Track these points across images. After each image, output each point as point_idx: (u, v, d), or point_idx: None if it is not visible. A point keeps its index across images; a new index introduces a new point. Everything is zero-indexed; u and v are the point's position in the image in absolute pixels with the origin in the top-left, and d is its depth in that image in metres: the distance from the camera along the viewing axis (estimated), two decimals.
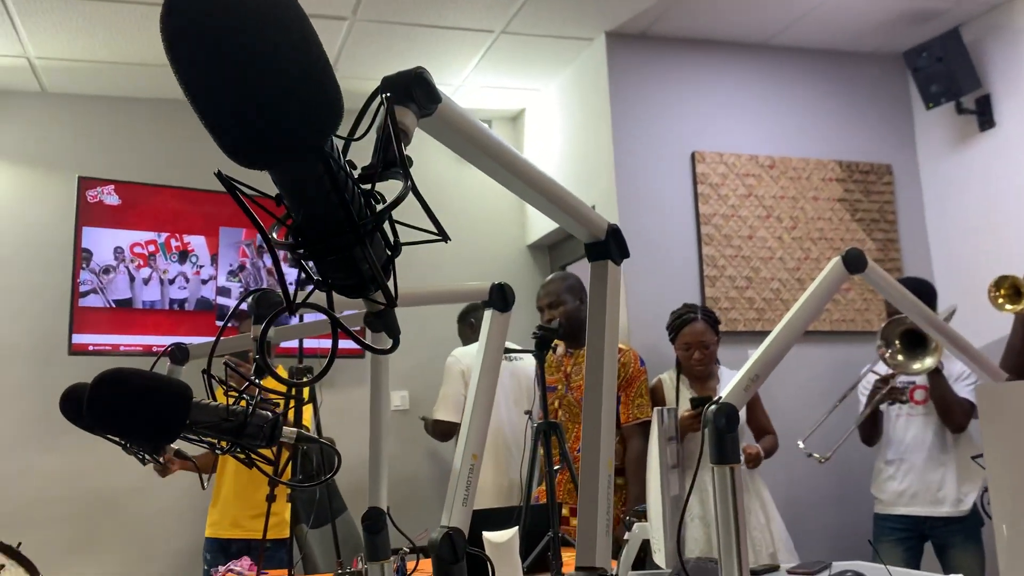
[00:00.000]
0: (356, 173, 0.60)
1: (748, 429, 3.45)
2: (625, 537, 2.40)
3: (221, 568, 2.96)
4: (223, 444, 1.13)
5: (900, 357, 3.15)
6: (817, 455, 3.33)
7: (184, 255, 4.24)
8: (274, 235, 0.59)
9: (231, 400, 1.11)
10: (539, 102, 4.79)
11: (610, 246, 0.98)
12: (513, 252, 4.93)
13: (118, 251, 4.12)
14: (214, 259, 4.28)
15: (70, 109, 4.35)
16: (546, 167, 4.74)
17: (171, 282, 4.23)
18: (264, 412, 1.12)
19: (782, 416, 3.74)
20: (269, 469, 1.16)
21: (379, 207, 0.58)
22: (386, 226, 0.59)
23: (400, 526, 1.65)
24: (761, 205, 4.11)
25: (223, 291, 4.29)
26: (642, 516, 2.35)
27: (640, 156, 4.03)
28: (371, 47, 4.03)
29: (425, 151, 3.54)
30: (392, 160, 0.59)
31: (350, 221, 0.56)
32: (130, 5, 3.53)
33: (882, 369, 3.41)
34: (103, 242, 4.09)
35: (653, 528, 2.24)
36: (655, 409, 2.21)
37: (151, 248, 4.18)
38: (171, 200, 4.20)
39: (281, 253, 0.59)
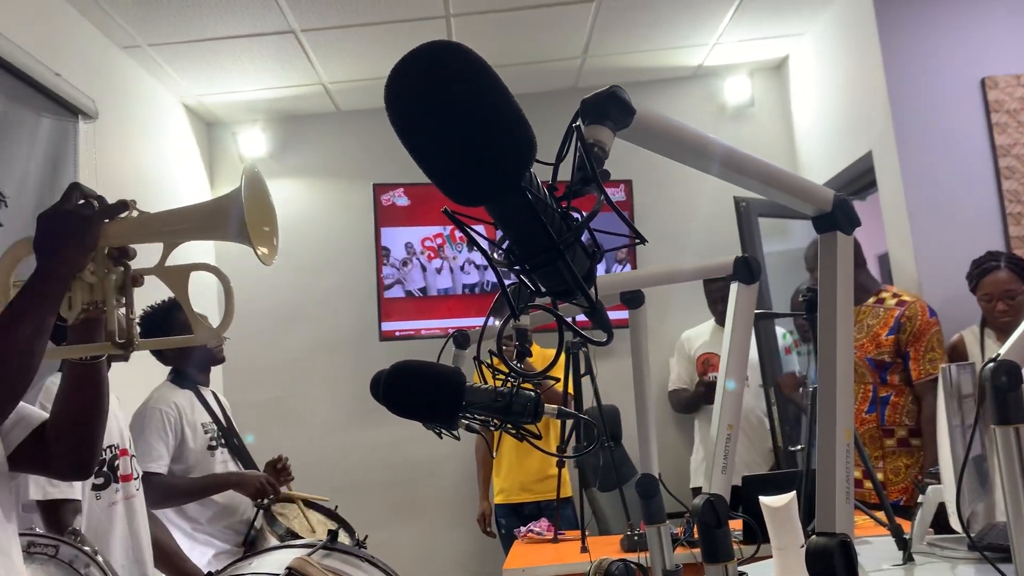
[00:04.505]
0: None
1: None
2: (919, 500, 2.29)
3: (522, 528, 3.24)
4: (496, 422, 1.28)
5: None
6: None
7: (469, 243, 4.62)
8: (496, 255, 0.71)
9: (499, 383, 1.26)
10: (803, 47, 4.56)
11: (837, 217, 0.98)
12: None
13: (411, 246, 4.59)
14: (493, 245, 4.63)
15: (361, 124, 4.86)
16: (815, 115, 4.52)
17: (460, 269, 4.63)
18: (527, 392, 1.25)
19: None
20: (537, 442, 1.30)
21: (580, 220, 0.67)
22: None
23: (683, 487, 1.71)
24: None
25: (504, 273, 4.64)
26: (937, 478, 2.22)
27: (919, 91, 3.70)
28: (620, 23, 4.08)
29: None
30: (589, 177, 0.67)
31: (549, 240, 0.65)
32: (401, 23, 3.89)
33: None
34: (398, 239, 4.58)
35: (947, 491, 2.12)
36: (941, 367, 2.09)
37: (439, 241, 4.60)
38: None
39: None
